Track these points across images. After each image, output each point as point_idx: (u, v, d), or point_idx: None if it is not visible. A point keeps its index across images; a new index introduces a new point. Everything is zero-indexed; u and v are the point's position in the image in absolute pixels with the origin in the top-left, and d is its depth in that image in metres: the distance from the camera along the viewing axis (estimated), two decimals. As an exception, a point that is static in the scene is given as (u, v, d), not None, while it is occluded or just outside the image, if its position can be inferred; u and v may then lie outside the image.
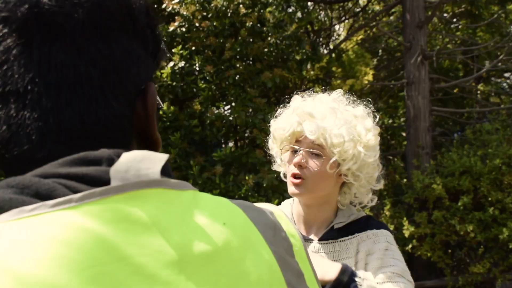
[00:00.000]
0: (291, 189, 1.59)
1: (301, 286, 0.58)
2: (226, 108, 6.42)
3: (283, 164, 1.71)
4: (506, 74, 10.58)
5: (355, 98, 1.69)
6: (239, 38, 6.21)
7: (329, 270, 1.40)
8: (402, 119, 9.51)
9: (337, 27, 10.64)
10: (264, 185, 5.43)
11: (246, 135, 6.34)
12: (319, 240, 1.61)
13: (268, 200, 5.32)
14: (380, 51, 10.56)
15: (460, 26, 10.00)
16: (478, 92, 10.18)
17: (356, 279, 1.39)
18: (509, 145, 6.96)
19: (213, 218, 0.53)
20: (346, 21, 10.57)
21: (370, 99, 1.75)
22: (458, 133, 8.57)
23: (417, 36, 7.83)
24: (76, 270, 0.42)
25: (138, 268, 0.45)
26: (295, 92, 1.74)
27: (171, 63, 6.00)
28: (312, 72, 7.33)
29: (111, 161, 0.50)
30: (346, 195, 1.66)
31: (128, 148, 0.55)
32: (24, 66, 0.51)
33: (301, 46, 6.56)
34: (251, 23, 6.18)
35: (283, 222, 0.62)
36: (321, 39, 9.66)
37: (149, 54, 0.59)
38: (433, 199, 6.82)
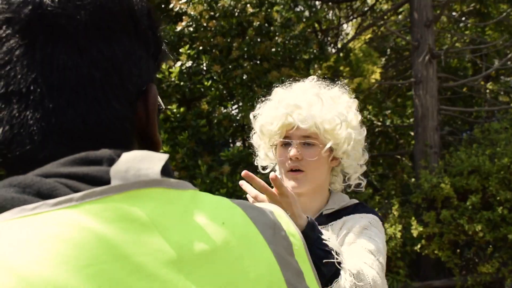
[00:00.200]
0: (290, 184, 1.56)
1: (300, 285, 0.58)
2: (233, 107, 6.43)
3: (270, 159, 1.68)
4: (516, 73, 10.51)
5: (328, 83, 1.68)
6: (247, 37, 6.21)
7: (297, 221, 1.30)
8: (411, 119, 9.46)
9: (345, 26, 10.62)
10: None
11: (254, 134, 6.33)
12: None
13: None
14: (388, 50, 10.52)
15: (468, 25, 9.94)
16: (487, 91, 10.11)
17: (323, 236, 1.31)
18: (518, 144, 6.91)
19: (212, 217, 0.54)
20: (354, 20, 10.54)
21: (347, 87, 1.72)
22: (467, 132, 8.51)
23: (425, 35, 7.79)
24: (76, 268, 0.43)
25: (137, 267, 0.45)
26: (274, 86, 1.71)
27: (179, 63, 6.01)
28: (319, 72, 7.32)
29: (111, 161, 0.51)
30: (336, 177, 1.66)
31: (129, 149, 0.55)
32: (27, 67, 0.52)
33: (308, 45, 6.56)
34: (258, 22, 6.18)
35: (283, 221, 0.62)
36: (329, 38, 9.64)
37: (151, 56, 0.60)
38: (441, 198, 6.79)
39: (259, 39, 6.23)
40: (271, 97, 1.66)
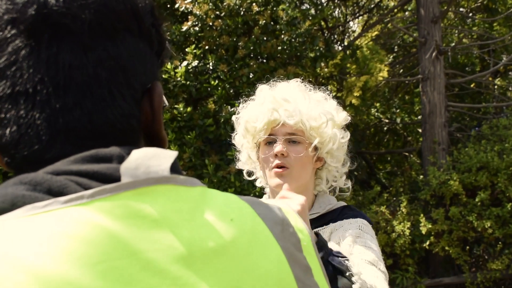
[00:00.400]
0: (275, 181, 1.51)
1: (309, 280, 0.58)
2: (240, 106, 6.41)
3: (252, 161, 1.63)
4: (524, 68, 10.43)
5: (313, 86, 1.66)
6: (252, 36, 6.21)
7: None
8: (419, 116, 9.43)
9: (351, 23, 10.59)
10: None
11: (261, 133, 6.33)
12: None
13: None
14: (395, 47, 10.48)
15: (476, 21, 9.88)
16: (495, 86, 10.05)
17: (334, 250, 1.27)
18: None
19: (221, 214, 0.54)
20: (361, 17, 10.51)
21: (329, 89, 1.70)
22: (475, 129, 8.46)
23: (432, 31, 7.76)
24: (88, 265, 0.43)
25: (148, 263, 0.46)
26: (258, 84, 1.67)
27: (185, 63, 6.02)
28: (326, 70, 7.30)
29: (121, 159, 0.51)
30: (321, 180, 1.61)
31: (136, 146, 0.55)
32: (33, 67, 0.52)
33: (314, 43, 6.54)
34: (264, 21, 6.18)
35: (291, 218, 0.62)
36: (335, 36, 9.62)
37: (154, 53, 0.60)
38: (450, 195, 6.76)
39: (265, 38, 6.23)
40: (256, 94, 1.62)
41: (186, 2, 6.30)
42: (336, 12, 9.96)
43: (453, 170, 6.98)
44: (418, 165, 8.34)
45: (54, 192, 0.47)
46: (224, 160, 5.83)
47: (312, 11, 7.33)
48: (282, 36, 6.31)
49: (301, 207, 1.17)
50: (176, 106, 5.88)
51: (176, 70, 5.99)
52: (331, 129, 1.54)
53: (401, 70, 10.28)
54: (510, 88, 10.29)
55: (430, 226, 6.67)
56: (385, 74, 8.21)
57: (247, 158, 1.64)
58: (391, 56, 10.39)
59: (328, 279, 0.64)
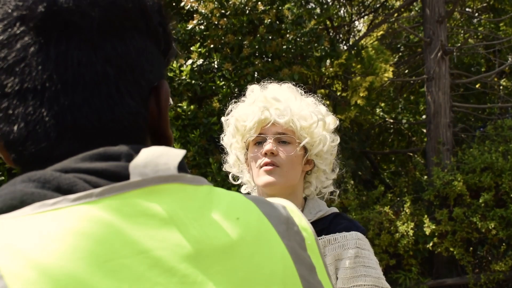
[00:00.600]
0: (264, 179, 1.48)
1: (313, 279, 0.58)
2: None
3: (240, 163, 1.61)
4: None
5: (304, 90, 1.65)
6: (258, 35, 6.21)
7: None
8: (424, 116, 9.40)
9: (356, 23, 10.57)
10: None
11: (265, 132, 6.33)
12: None
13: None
14: (400, 46, 10.46)
15: (482, 21, 9.85)
16: (501, 87, 10.01)
17: None
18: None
19: (228, 212, 0.54)
20: (366, 17, 10.49)
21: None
22: (480, 129, 8.44)
23: (437, 31, 7.74)
24: (97, 263, 0.43)
25: (157, 261, 0.46)
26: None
27: (190, 61, 6.02)
28: (331, 69, 7.30)
29: (129, 157, 0.52)
30: (310, 184, 1.59)
31: (143, 144, 0.56)
32: (42, 64, 0.52)
33: (320, 42, 6.54)
34: (269, 20, 6.18)
35: (295, 216, 0.63)
36: (340, 35, 9.61)
37: (161, 52, 0.60)
38: (454, 196, 6.74)
39: (270, 37, 6.23)
40: (247, 94, 1.61)
41: (191, 0, 6.31)
42: (342, 11, 9.94)
43: (457, 171, 6.96)
44: (422, 165, 8.32)
45: (63, 190, 0.47)
46: (228, 159, 5.83)
47: (318, 10, 7.33)
48: (287, 35, 6.30)
49: None
50: (180, 104, 5.89)
51: (181, 69, 6.00)
52: (322, 130, 1.53)
53: (406, 70, 10.26)
54: (515, 89, 10.25)
55: (433, 226, 6.66)
56: (390, 74, 8.20)
57: (235, 160, 1.62)
58: (396, 56, 10.37)
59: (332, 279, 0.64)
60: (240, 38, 6.17)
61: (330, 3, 8.73)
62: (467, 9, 9.92)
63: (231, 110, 1.62)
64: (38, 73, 0.52)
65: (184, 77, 5.98)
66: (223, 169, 1.68)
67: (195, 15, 6.23)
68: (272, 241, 0.56)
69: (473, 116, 9.35)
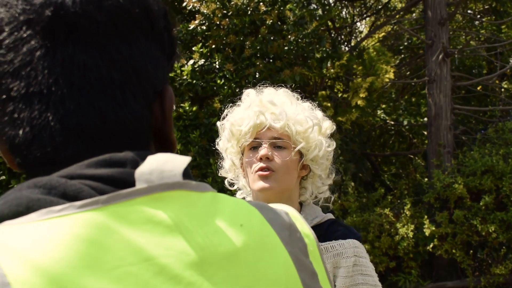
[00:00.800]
0: (259, 184, 1.48)
1: (315, 286, 0.58)
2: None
3: (235, 168, 1.60)
4: (531, 72, 10.38)
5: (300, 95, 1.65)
6: (259, 36, 6.21)
7: None
8: (425, 118, 9.40)
9: (358, 24, 10.58)
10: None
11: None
12: None
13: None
14: (402, 48, 10.45)
15: (484, 23, 9.85)
16: (502, 90, 10.00)
17: None
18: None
19: (232, 219, 0.54)
20: (368, 18, 10.49)
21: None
22: (481, 132, 8.44)
23: (439, 33, 7.74)
24: (103, 270, 0.44)
25: (162, 269, 0.46)
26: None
27: (191, 61, 6.02)
28: (332, 70, 7.29)
29: (135, 163, 0.52)
30: (305, 190, 1.59)
31: (147, 149, 0.56)
32: (48, 68, 0.52)
33: (321, 43, 6.54)
34: (271, 21, 6.18)
35: (298, 223, 0.63)
36: (342, 36, 9.61)
37: (165, 56, 0.60)
38: (454, 198, 6.74)
39: (272, 38, 6.23)
40: (242, 98, 1.61)
41: (193, 0, 6.31)
42: (344, 12, 9.95)
43: (457, 173, 6.96)
44: (423, 167, 8.31)
45: (69, 196, 0.47)
46: (229, 159, 5.83)
47: (320, 11, 7.33)
48: (289, 36, 6.31)
49: None
50: (181, 104, 5.89)
51: (182, 69, 6.00)
52: (317, 135, 1.53)
53: (408, 72, 10.25)
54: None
55: (434, 229, 6.65)
56: (391, 75, 8.20)
57: (230, 165, 1.61)
58: (398, 58, 10.36)
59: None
60: (241, 38, 6.17)
61: (332, 5, 8.74)
62: (468, 11, 9.92)
63: (226, 115, 1.62)
64: (44, 76, 0.52)
65: (185, 77, 5.98)
66: (219, 175, 1.68)
67: (197, 15, 6.23)
68: (276, 248, 0.56)
69: (474, 118, 9.34)
